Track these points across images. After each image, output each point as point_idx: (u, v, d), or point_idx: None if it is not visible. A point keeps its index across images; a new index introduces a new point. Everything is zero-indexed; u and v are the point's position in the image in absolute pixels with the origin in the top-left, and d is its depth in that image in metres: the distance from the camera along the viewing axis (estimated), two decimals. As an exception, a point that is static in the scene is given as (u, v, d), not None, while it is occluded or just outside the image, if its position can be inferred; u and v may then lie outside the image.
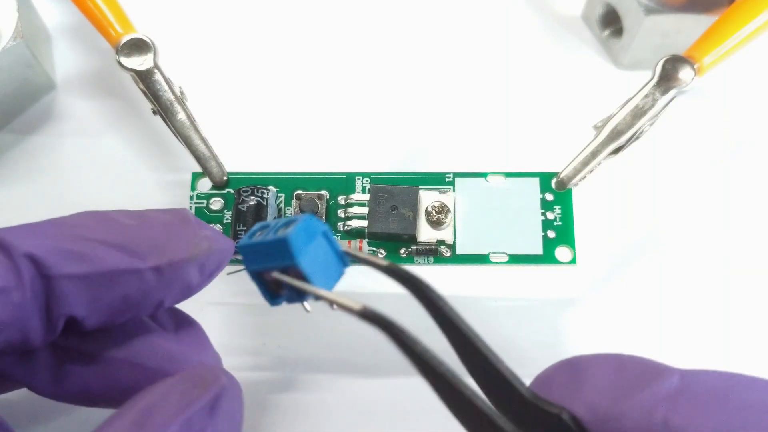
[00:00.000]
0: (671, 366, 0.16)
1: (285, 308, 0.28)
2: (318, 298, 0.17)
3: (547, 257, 0.24)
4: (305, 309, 0.19)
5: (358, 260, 0.18)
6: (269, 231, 0.18)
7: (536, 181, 0.25)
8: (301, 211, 0.24)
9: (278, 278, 0.18)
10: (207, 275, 0.19)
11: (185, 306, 0.27)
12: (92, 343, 0.19)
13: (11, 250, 0.16)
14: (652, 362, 0.17)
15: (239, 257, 0.23)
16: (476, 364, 0.17)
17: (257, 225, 0.19)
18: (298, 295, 0.18)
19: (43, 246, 0.17)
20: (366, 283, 0.29)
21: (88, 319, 0.17)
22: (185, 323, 0.21)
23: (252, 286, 0.28)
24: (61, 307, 0.17)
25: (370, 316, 0.17)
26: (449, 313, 0.17)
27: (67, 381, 0.19)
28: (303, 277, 0.17)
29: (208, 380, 0.17)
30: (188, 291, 0.19)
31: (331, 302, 0.17)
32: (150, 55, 0.26)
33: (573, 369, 0.18)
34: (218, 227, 0.24)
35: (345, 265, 0.18)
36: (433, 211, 0.24)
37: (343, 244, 0.19)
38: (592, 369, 0.17)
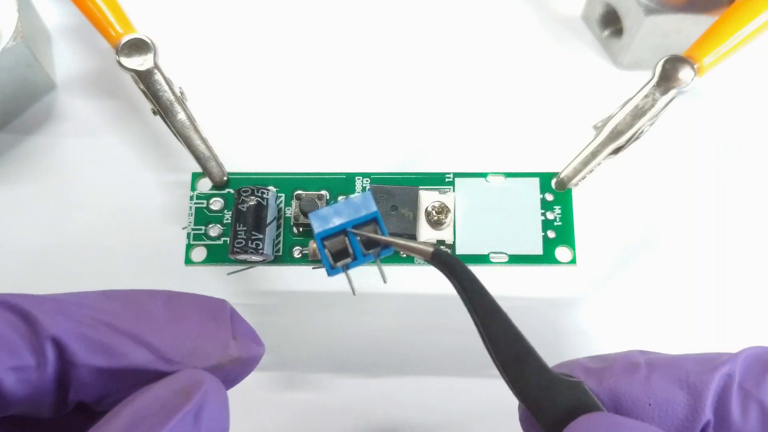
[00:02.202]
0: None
1: (285, 308, 0.28)
2: (388, 247, 0.20)
3: (547, 257, 0.24)
4: (352, 290, 0.20)
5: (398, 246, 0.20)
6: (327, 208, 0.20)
7: (536, 181, 0.25)
8: (302, 211, 0.24)
9: (358, 233, 0.19)
10: (229, 383, 0.19)
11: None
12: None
13: (39, 329, 0.16)
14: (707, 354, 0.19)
15: (239, 257, 0.23)
16: (501, 341, 0.19)
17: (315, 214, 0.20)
18: (363, 256, 0.20)
19: (70, 331, 0.16)
20: (365, 284, 0.29)
21: (100, 405, 0.17)
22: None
23: (252, 286, 0.29)
24: (76, 393, 0.17)
25: (440, 256, 0.19)
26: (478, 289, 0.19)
27: None
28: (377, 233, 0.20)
29: (190, 387, 0.16)
30: None
31: (403, 249, 0.20)
32: (150, 55, 0.26)
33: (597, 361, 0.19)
34: (218, 227, 0.24)
35: (387, 250, 0.20)
36: (433, 211, 0.24)
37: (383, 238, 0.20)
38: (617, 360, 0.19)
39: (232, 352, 0.18)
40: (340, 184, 0.25)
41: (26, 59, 0.28)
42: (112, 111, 0.31)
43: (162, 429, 0.15)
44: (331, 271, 0.20)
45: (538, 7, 0.33)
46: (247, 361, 0.19)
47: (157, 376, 0.17)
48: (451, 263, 0.18)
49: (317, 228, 0.19)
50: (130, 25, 0.27)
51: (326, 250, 0.20)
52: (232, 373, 0.18)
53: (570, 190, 0.25)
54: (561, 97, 0.31)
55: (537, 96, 0.31)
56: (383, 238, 0.20)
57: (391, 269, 0.25)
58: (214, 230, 0.25)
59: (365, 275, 0.29)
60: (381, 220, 0.20)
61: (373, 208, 0.20)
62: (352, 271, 0.20)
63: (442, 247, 0.24)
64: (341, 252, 0.20)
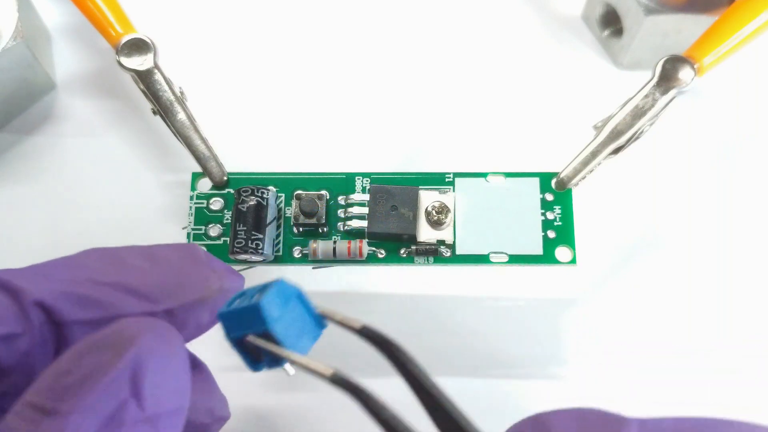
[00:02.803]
0: (629, 417, 0.17)
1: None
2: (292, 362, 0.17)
3: (547, 257, 0.24)
4: (287, 373, 0.18)
5: (333, 321, 0.18)
6: (245, 298, 0.17)
7: (536, 181, 0.25)
8: (302, 211, 0.24)
9: (254, 342, 0.17)
10: (213, 314, 0.19)
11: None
12: None
13: (21, 296, 0.16)
14: (612, 414, 0.17)
15: (239, 257, 0.23)
16: (447, 427, 0.17)
17: (236, 294, 0.18)
18: (275, 360, 0.18)
19: (53, 291, 0.16)
20: (365, 284, 0.29)
21: None
22: (193, 366, 0.20)
23: (252, 281, 0.28)
24: None
25: (339, 381, 0.17)
26: (421, 377, 0.17)
27: None
28: (277, 342, 0.17)
29: (121, 341, 0.14)
30: (198, 331, 0.19)
31: (302, 367, 0.17)
32: (150, 55, 0.26)
33: (538, 425, 0.18)
34: (218, 227, 0.24)
35: (321, 327, 0.18)
36: (433, 211, 0.24)
37: (319, 305, 0.18)
38: (556, 424, 0.17)
39: (214, 284, 0.18)
40: (340, 184, 0.25)
41: (26, 59, 0.28)
42: (112, 111, 0.31)
43: (88, 396, 0.13)
44: (255, 367, 0.18)
45: (538, 7, 0.33)
46: (230, 291, 0.19)
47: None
48: (353, 389, 0.17)
49: (228, 332, 0.17)
50: (130, 25, 0.27)
51: (243, 349, 0.18)
52: (217, 304, 0.18)
53: (570, 190, 0.25)
54: (561, 97, 0.31)
55: (537, 96, 0.31)
56: (282, 352, 0.17)
57: (391, 269, 0.25)
58: (214, 230, 0.25)
59: (365, 275, 0.29)
60: (278, 333, 0.17)
61: (271, 319, 0.17)
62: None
63: (442, 246, 0.24)
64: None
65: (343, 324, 0.17)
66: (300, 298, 0.17)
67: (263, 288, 0.17)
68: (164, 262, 0.18)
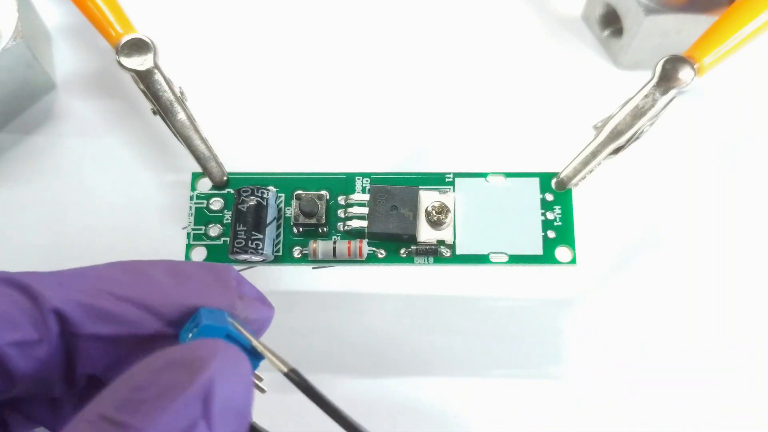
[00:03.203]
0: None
1: (285, 308, 0.28)
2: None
3: (547, 257, 0.24)
4: (261, 389, 0.18)
5: (264, 357, 0.17)
6: (185, 331, 0.17)
7: (536, 181, 0.25)
8: (302, 211, 0.24)
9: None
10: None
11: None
12: None
13: (40, 302, 0.16)
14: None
15: (239, 257, 0.23)
16: None
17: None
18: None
19: (72, 302, 0.16)
20: (365, 284, 0.29)
21: (106, 377, 0.17)
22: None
23: (252, 281, 0.28)
24: (83, 366, 0.16)
25: (291, 377, 0.17)
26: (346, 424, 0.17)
27: None
28: None
29: (197, 361, 0.14)
30: None
31: (265, 354, 0.17)
32: (150, 55, 0.26)
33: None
34: (218, 227, 0.24)
35: (258, 358, 0.18)
36: (433, 211, 0.24)
37: (253, 340, 0.17)
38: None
39: (239, 312, 0.17)
40: (340, 184, 0.25)
41: (26, 59, 0.28)
42: (112, 111, 0.31)
43: (162, 414, 0.13)
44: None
45: (538, 7, 0.33)
46: (257, 322, 0.18)
47: (164, 340, 0.16)
48: (303, 386, 0.17)
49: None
50: (130, 25, 0.27)
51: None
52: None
53: (570, 190, 0.25)
54: (561, 97, 0.31)
55: (537, 96, 0.31)
56: (253, 340, 0.17)
57: (391, 269, 0.25)
58: (214, 230, 0.24)
59: (365, 275, 0.29)
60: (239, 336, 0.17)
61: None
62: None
63: (442, 246, 0.24)
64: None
65: (273, 363, 0.17)
66: (230, 336, 0.17)
67: (195, 326, 0.17)
68: (189, 282, 0.17)
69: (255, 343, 0.17)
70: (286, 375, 0.17)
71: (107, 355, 0.16)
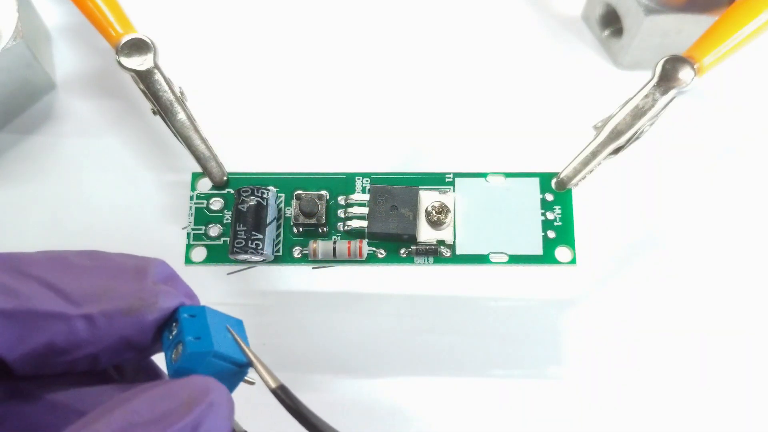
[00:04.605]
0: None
1: (285, 308, 0.28)
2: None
3: (547, 257, 0.24)
4: (250, 382, 0.19)
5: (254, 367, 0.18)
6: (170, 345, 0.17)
7: (536, 181, 0.25)
8: (302, 211, 0.24)
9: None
10: (152, 337, 0.17)
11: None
12: (35, 386, 0.17)
13: None
14: None
15: (239, 257, 0.23)
16: None
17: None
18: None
19: None
20: (365, 284, 0.29)
21: (18, 363, 0.16)
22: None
23: (252, 286, 0.29)
24: None
25: (278, 394, 0.18)
26: None
27: (11, 420, 0.17)
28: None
29: (193, 397, 0.15)
30: (134, 351, 0.17)
31: (256, 367, 0.18)
32: (150, 55, 0.26)
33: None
34: (218, 227, 0.24)
35: (244, 371, 0.18)
36: (433, 211, 0.24)
37: (247, 351, 0.18)
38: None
39: (150, 297, 0.17)
40: (340, 184, 0.25)
41: (26, 59, 0.28)
42: (112, 111, 0.31)
43: None
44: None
45: (538, 7, 0.33)
46: (168, 311, 0.17)
47: (65, 321, 0.16)
48: (290, 404, 0.18)
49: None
50: (130, 25, 0.27)
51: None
52: (148, 322, 0.17)
53: (570, 190, 0.25)
54: (561, 97, 0.31)
55: (537, 96, 0.31)
56: (248, 352, 0.17)
57: (390, 269, 0.25)
58: (214, 230, 0.24)
59: (365, 275, 0.29)
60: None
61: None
62: None
63: (442, 246, 0.24)
64: None
65: (262, 378, 0.17)
66: (216, 355, 0.17)
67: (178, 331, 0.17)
68: (106, 267, 0.17)
69: (249, 355, 0.17)
70: (274, 392, 0.17)
71: (9, 332, 0.16)
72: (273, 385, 0.17)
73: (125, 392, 0.15)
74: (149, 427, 0.14)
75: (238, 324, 0.18)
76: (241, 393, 0.26)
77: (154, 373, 0.19)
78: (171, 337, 0.17)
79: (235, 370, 0.18)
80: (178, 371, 0.17)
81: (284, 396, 0.17)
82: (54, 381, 0.17)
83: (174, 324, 0.17)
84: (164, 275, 0.18)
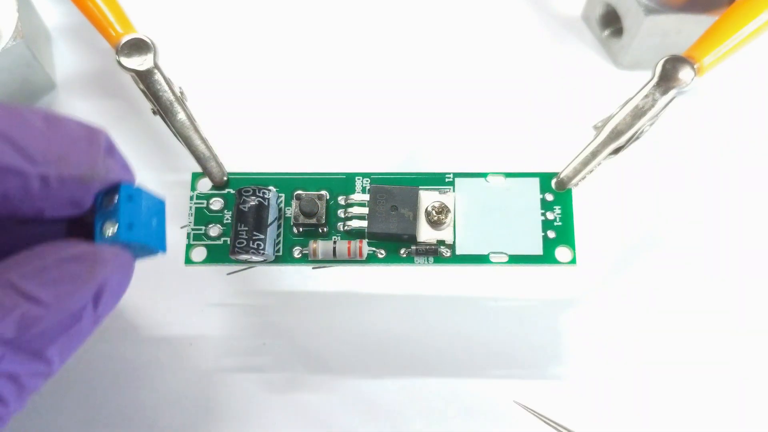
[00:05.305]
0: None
1: (285, 308, 0.28)
2: None
3: (547, 257, 0.24)
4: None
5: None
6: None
7: (536, 181, 0.25)
8: (302, 211, 0.24)
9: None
10: (92, 201, 0.19)
11: (184, 308, 0.27)
12: None
13: None
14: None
15: (240, 257, 0.23)
16: None
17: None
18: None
19: None
20: (365, 284, 0.29)
21: None
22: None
23: (252, 286, 0.29)
24: None
25: None
26: None
27: None
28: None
29: (96, 260, 0.17)
30: (75, 209, 0.19)
31: None
32: (150, 55, 0.26)
33: None
34: (218, 227, 0.24)
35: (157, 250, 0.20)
36: (433, 211, 0.24)
37: None
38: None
39: (101, 169, 0.19)
40: (340, 184, 0.25)
41: (26, 59, 0.28)
42: (112, 111, 0.31)
43: (63, 296, 0.16)
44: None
45: (538, 7, 0.33)
46: (113, 182, 0.19)
47: (22, 177, 0.17)
48: None
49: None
50: (130, 25, 0.27)
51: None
52: (94, 187, 0.19)
53: (570, 190, 0.25)
54: (561, 97, 0.31)
55: (537, 96, 0.31)
56: None
57: (391, 269, 0.25)
58: (214, 230, 0.24)
59: (365, 275, 0.29)
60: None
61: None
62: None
63: (442, 246, 0.24)
64: None
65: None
66: (141, 246, 0.20)
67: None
68: (62, 132, 0.18)
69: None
70: None
71: None
72: None
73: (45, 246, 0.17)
74: (59, 284, 0.16)
75: (161, 206, 0.21)
76: (241, 392, 0.27)
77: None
78: (104, 206, 0.19)
79: (149, 253, 0.20)
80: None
81: None
82: None
83: (112, 195, 0.19)
84: (108, 144, 0.19)
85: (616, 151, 0.25)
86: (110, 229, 0.19)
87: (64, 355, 0.18)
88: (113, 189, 0.19)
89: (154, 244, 0.20)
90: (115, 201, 0.19)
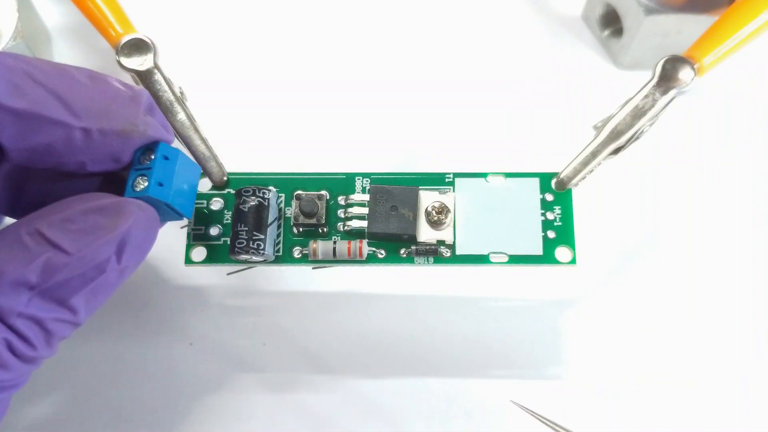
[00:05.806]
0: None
1: (285, 308, 0.28)
2: None
3: (547, 257, 0.24)
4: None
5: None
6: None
7: (536, 181, 0.25)
8: (302, 211, 0.24)
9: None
10: (131, 156, 0.20)
11: (184, 308, 0.27)
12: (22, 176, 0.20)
13: None
14: None
15: (240, 257, 0.23)
16: None
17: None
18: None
19: None
20: (365, 284, 0.29)
21: (15, 154, 0.18)
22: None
23: (252, 286, 0.29)
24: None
25: None
26: None
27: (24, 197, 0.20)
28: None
29: (120, 212, 0.18)
30: (115, 163, 0.20)
31: None
32: (150, 55, 0.26)
33: None
34: (218, 227, 0.24)
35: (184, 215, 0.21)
36: (433, 211, 0.24)
37: None
38: None
39: (141, 125, 0.19)
40: (340, 184, 0.25)
41: (26, 59, 0.28)
42: (112, 111, 0.31)
43: (87, 246, 0.17)
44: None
45: (538, 7, 0.33)
46: (152, 139, 0.20)
47: (66, 130, 0.18)
48: None
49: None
50: (130, 25, 0.27)
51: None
52: (137, 143, 0.20)
53: (570, 190, 0.25)
54: (561, 97, 0.31)
55: (537, 96, 0.31)
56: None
57: (391, 269, 0.25)
58: (214, 230, 0.24)
59: (365, 275, 0.29)
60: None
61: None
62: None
63: (442, 246, 0.24)
64: None
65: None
66: (168, 206, 0.20)
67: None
68: (105, 88, 0.19)
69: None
70: None
71: (13, 127, 0.18)
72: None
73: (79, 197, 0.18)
74: (84, 235, 0.17)
75: (196, 172, 0.22)
76: (241, 392, 0.27)
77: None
78: (141, 162, 0.20)
79: (175, 216, 0.21)
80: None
81: None
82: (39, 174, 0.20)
83: (149, 153, 0.20)
84: (149, 103, 0.20)
85: (616, 151, 0.25)
86: (141, 185, 0.19)
87: (90, 305, 0.18)
88: (152, 147, 0.20)
89: (181, 208, 0.20)
90: (152, 158, 0.20)
